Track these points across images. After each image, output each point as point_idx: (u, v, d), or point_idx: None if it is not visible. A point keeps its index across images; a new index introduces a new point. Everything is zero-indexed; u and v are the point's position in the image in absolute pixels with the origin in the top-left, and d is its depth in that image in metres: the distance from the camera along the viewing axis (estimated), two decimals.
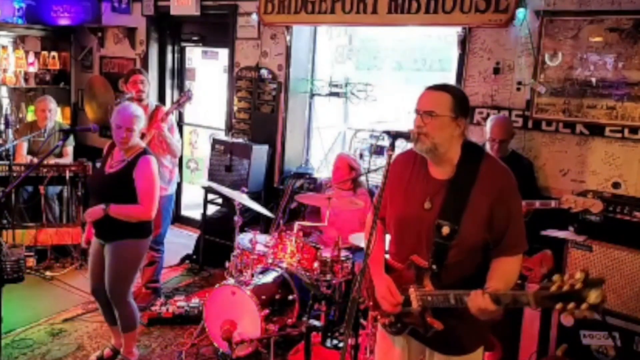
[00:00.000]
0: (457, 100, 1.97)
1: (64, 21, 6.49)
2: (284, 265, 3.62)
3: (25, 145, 5.08)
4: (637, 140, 3.54)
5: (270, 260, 3.67)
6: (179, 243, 5.48)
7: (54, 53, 6.30)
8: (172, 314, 3.99)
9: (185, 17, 5.69)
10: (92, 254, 3.32)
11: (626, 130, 3.56)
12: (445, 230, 1.93)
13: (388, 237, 2.25)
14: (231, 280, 3.52)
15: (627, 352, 2.96)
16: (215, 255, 4.92)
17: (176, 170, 4.39)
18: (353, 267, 3.58)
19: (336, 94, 5.08)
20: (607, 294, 3.02)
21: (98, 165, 3.85)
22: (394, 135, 1.97)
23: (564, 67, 3.73)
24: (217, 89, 6.11)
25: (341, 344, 3.33)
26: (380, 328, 2.26)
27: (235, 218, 3.88)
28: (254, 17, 5.03)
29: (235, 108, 5.44)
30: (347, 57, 5.24)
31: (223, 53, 5.89)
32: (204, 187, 5.25)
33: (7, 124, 5.27)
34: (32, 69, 6.11)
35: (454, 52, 4.29)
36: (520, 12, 3.77)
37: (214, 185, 4.27)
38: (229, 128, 5.50)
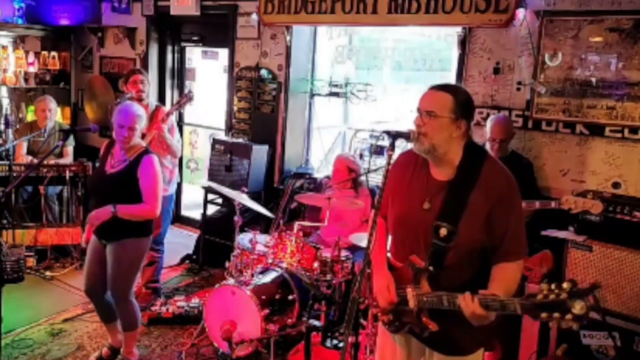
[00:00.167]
0: (458, 102, 1.96)
1: (64, 21, 6.49)
2: (284, 265, 3.62)
3: (25, 145, 5.08)
4: (637, 140, 3.54)
5: (270, 260, 3.67)
6: (179, 243, 5.48)
7: (54, 53, 6.29)
8: (172, 314, 3.99)
9: (185, 17, 5.69)
10: (91, 253, 3.31)
11: (626, 130, 3.56)
12: (443, 231, 1.92)
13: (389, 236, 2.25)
14: (231, 280, 3.52)
15: (627, 352, 2.95)
16: (215, 255, 4.92)
17: (176, 170, 4.39)
18: (353, 267, 3.58)
19: (336, 94, 5.08)
20: (607, 294, 3.03)
21: (96, 165, 3.84)
22: (394, 135, 1.96)
23: (564, 67, 3.73)
24: (217, 89, 6.11)
25: (341, 344, 3.33)
26: (381, 326, 2.26)
27: (235, 218, 3.88)
28: (254, 17, 5.03)
29: (235, 108, 5.44)
30: (347, 57, 5.24)
31: (223, 53, 5.89)
32: (204, 187, 5.25)
33: (7, 124, 5.27)
34: (32, 69, 6.10)
35: (454, 52, 4.29)
36: (520, 12, 3.77)
37: (214, 185, 4.27)
38: (229, 128, 5.50)
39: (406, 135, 1.98)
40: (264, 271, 3.63)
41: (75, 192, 4.95)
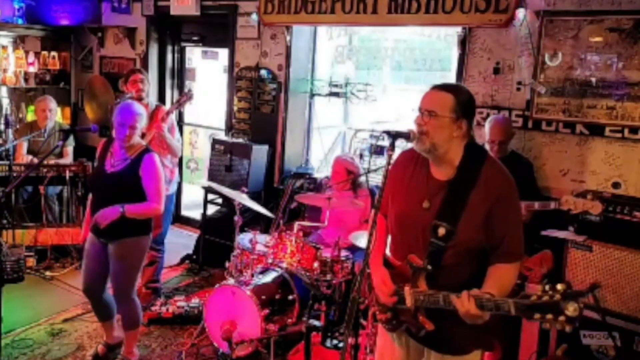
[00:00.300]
0: (459, 102, 1.96)
1: (64, 21, 6.49)
2: (284, 265, 3.62)
3: (25, 145, 5.08)
4: (637, 140, 3.54)
5: (270, 260, 3.67)
6: (179, 243, 5.47)
7: (54, 53, 6.29)
8: (172, 314, 3.98)
9: (185, 17, 5.68)
10: (91, 252, 3.32)
11: (626, 130, 3.56)
12: (442, 231, 1.93)
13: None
14: (231, 280, 3.52)
15: (627, 352, 2.95)
16: (215, 255, 4.92)
17: (177, 170, 4.40)
18: (353, 267, 3.58)
19: (336, 94, 5.08)
20: (607, 294, 3.03)
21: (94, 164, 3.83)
22: (394, 135, 1.97)
23: (564, 67, 3.73)
24: (217, 89, 6.11)
25: (341, 344, 3.33)
26: (381, 326, 2.26)
27: (235, 218, 3.88)
28: (254, 17, 5.03)
29: (235, 108, 5.44)
30: (347, 57, 5.24)
31: (223, 53, 5.90)
32: (204, 187, 5.25)
33: (7, 124, 5.27)
34: (32, 69, 6.10)
35: (454, 52, 4.29)
36: (520, 12, 3.77)
37: (214, 185, 4.27)
38: (229, 128, 5.50)
39: (406, 135, 1.98)
40: (264, 271, 3.63)
41: (75, 192, 4.95)
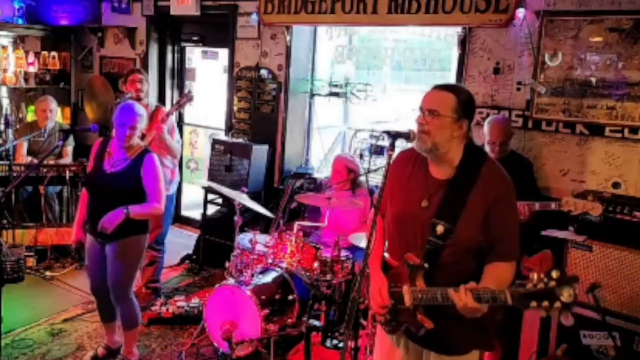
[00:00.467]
0: (461, 102, 1.98)
1: (64, 21, 6.49)
2: (284, 265, 3.62)
3: (25, 146, 5.08)
4: (637, 140, 3.54)
5: (270, 260, 3.67)
6: (179, 243, 5.48)
7: (54, 53, 6.29)
8: (172, 314, 3.98)
9: (185, 17, 5.68)
10: (91, 253, 3.32)
11: (626, 130, 3.56)
12: (440, 229, 1.94)
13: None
14: (231, 280, 3.52)
15: (627, 352, 2.95)
16: (215, 255, 4.92)
17: (177, 170, 4.40)
18: (353, 267, 3.58)
19: (336, 94, 5.08)
20: (607, 294, 3.02)
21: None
22: (394, 135, 1.98)
23: (564, 67, 3.73)
24: (217, 89, 6.11)
25: (341, 344, 3.33)
26: (380, 328, 2.26)
27: (235, 218, 3.88)
28: (254, 17, 5.03)
29: (235, 108, 5.44)
30: (347, 57, 5.24)
31: (223, 53, 5.90)
32: (204, 187, 5.25)
33: (7, 124, 5.27)
34: (32, 69, 6.10)
35: (454, 52, 4.29)
36: (520, 12, 3.77)
37: (214, 185, 4.27)
38: (229, 128, 5.50)
39: (406, 135, 2.00)
40: (264, 271, 3.63)
41: (75, 191, 4.95)
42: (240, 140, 5.21)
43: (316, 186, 4.80)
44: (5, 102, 6.05)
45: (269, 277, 3.58)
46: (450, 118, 1.96)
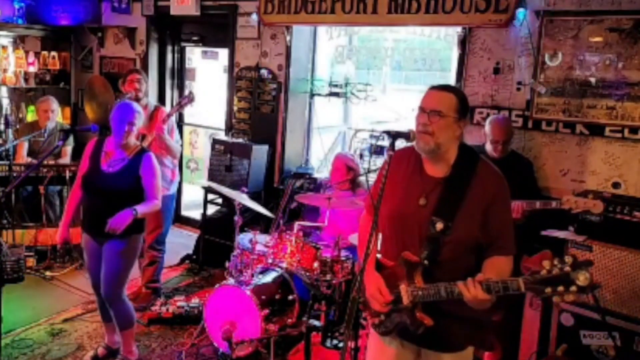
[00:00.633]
0: (460, 102, 2.02)
1: (64, 21, 6.49)
2: (284, 265, 3.62)
3: (26, 146, 5.08)
4: (637, 140, 3.54)
5: (270, 260, 3.67)
6: (179, 243, 5.48)
7: (54, 53, 6.29)
8: (172, 314, 3.98)
9: (185, 17, 5.68)
10: (90, 253, 3.32)
11: (626, 130, 3.56)
12: (439, 226, 1.96)
13: (379, 236, 2.24)
14: (231, 280, 3.52)
15: (627, 352, 2.95)
16: (215, 255, 4.92)
17: (177, 170, 4.40)
18: (353, 267, 3.58)
19: (336, 94, 5.08)
20: (607, 294, 3.02)
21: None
22: (394, 135, 2.00)
23: (564, 67, 3.73)
24: (217, 89, 6.11)
25: (341, 344, 3.33)
26: (372, 330, 2.25)
27: (235, 218, 3.88)
28: (254, 17, 5.03)
29: (235, 108, 5.44)
30: (347, 57, 5.24)
31: (223, 53, 5.89)
32: (204, 187, 5.25)
33: (7, 124, 5.27)
34: (32, 69, 6.11)
35: (454, 52, 4.29)
36: (520, 12, 3.77)
37: (214, 185, 4.27)
38: (229, 128, 5.50)
39: (406, 135, 2.01)
40: (264, 271, 3.63)
41: None
42: (240, 140, 5.21)
43: (316, 186, 4.80)
44: (5, 102, 6.05)
45: (269, 277, 3.58)
46: (452, 118, 1.99)
